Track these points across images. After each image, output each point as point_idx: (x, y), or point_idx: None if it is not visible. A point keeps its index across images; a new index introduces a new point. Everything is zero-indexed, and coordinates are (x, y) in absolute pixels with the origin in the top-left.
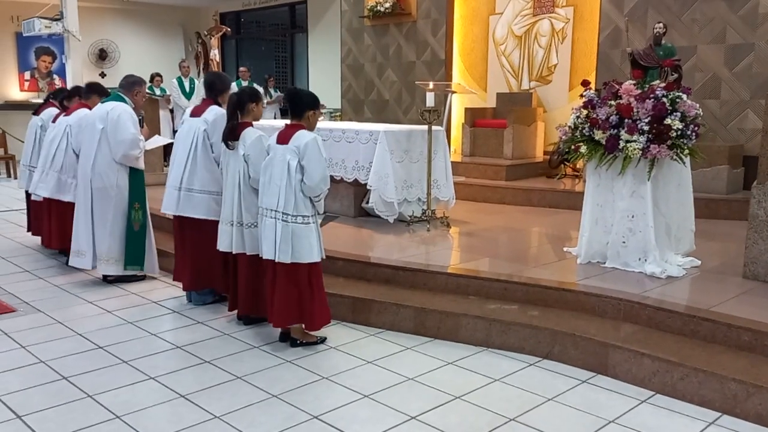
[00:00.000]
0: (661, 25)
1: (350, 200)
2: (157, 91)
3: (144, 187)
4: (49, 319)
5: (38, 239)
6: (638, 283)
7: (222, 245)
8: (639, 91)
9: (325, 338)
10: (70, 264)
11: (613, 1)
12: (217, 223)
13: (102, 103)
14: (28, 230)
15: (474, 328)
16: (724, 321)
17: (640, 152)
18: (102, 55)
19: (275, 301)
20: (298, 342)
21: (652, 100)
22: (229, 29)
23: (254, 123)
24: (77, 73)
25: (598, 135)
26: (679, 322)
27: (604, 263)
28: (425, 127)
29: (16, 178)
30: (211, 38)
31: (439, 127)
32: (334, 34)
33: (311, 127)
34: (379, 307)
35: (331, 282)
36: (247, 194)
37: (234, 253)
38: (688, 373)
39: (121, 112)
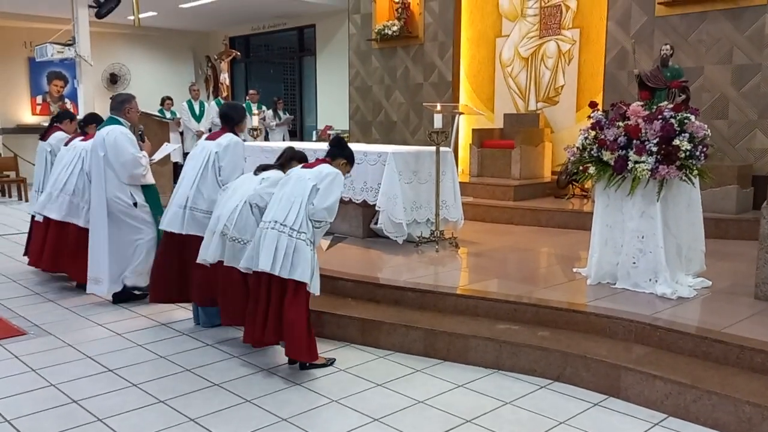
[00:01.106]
0: (668, 46)
1: (359, 221)
2: (168, 114)
3: (159, 200)
4: (59, 342)
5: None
6: (649, 304)
7: (201, 256)
8: (647, 112)
9: (334, 360)
10: (88, 291)
11: (619, 23)
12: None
13: (98, 129)
14: (25, 254)
15: (484, 350)
16: (736, 343)
17: (649, 173)
18: (113, 79)
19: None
20: (308, 365)
21: (660, 121)
22: (238, 53)
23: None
24: (89, 97)
25: (607, 156)
26: (690, 343)
27: (614, 284)
28: (433, 148)
29: (27, 201)
30: (221, 62)
31: (446, 148)
32: (342, 56)
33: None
34: (388, 328)
35: (339, 303)
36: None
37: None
38: (701, 395)
39: (116, 135)
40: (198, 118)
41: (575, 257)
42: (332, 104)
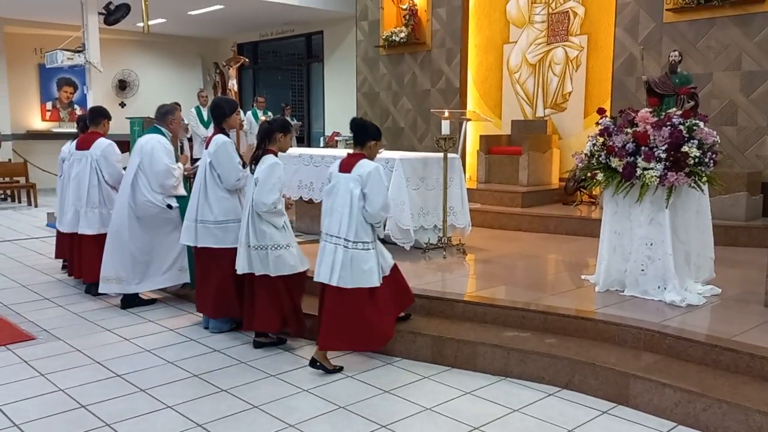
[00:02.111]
0: (676, 53)
1: None
2: None
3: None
4: (67, 347)
5: (58, 266)
6: (658, 312)
7: (237, 266)
8: (655, 119)
9: (342, 368)
10: (100, 291)
11: (627, 29)
12: (234, 250)
13: (140, 136)
14: (57, 257)
15: (492, 357)
16: (746, 351)
17: (658, 180)
18: (122, 86)
19: (325, 323)
20: (318, 364)
21: (669, 127)
22: (247, 60)
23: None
24: (98, 103)
25: (615, 162)
26: (700, 351)
27: (623, 291)
28: (441, 154)
29: (36, 206)
30: (229, 68)
31: (454, 155)
32: (350, 63)
33: (372, 156)
34: (396, 335)
35: None
36: (254, 218)
37: (244, 273)
38: (711, 404)
39: (154, 144)
40: (206, 125)
41: (583, 264)
42: (340, 110)
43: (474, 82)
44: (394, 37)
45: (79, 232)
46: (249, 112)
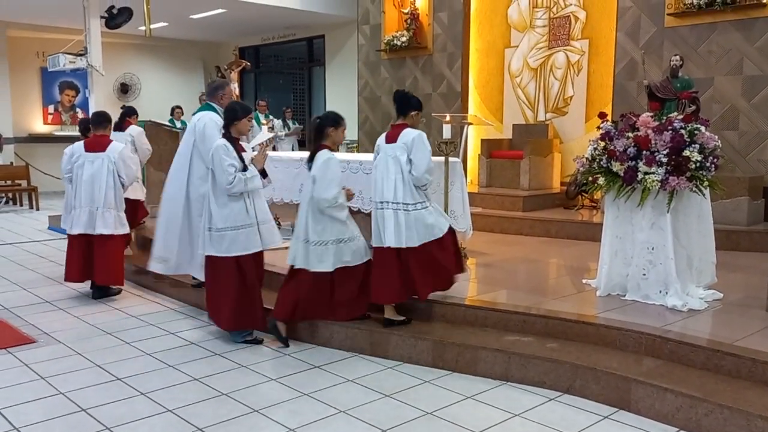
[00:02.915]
0: (677, 57)
1: (368, 231)
2: (178, 124)
3: None
4: (68, 350)
5: (59, 270)
6: (659, 317)
7: (289, 258)
8: (657, 123)
9: (411, 320)
10: (151, 269)
11: (628, 33)
12: (250, 257)
13: (193, 114)
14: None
15: (493, 362)
16: (748, 356)
17: (659, 184)
18: (124, 89)
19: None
20: (394, 322)
21: (670, 131)
22: (248, 63)
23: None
24: (100, 106)
25: (616, 167)
26: (702, 356)
27: (624, 296)
28: (442, 158)
29: (38, 209)
30: (230, 72)
31: (455, 159)
32: (351, 67)
33: (414, 126)
34: (397, 339)
35: None
36: (312, 214)
37: (296, 267)
38: (713, 409)
39: (206, 122)
40: None
41: (585, 268)
42: (341, 114)
43: (475, 86)
44: (395, 41)
45: (96, 233)
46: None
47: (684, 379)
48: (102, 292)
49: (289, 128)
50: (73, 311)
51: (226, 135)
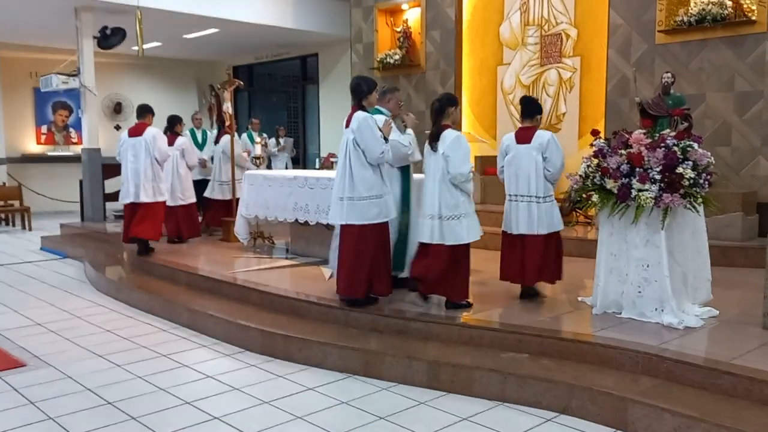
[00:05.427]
0: (669, 74)
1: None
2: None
3: (408, 189)
4: (58, 374)
5: (51, 291)
6: (656, 335)
7: (423, 237)
8: (649, 140)
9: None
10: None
11: (619, 51)
12: (377, 226)
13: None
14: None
15: (489, 382)
16: (746, 374)
17: (653, 201)
18: (117, 109)
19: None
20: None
21: (663, 149)
22: (241, 83)
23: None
24: (93, 126)
25: (610, 184)
26: (699, 375)
27: (620, 313)
28: None
29: (31, 230)
30: (224, 91)
31: None
32: (345, 85)
33: (539, 126)
34: (391, 360)
35: (343, 334)
36: (446, 190)
37: (432, 243)
38: (711, 429)
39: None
40: (200, 146)
41: (580, 285)
42: (335, 132)
43: (469, 103)
44: (388, 60)
45: (139, 201)
46: (244, 134)
47: (681, 399)
48: (143, 247)
49: (279, 144)
50: (64, 333)
51: (362, 108)
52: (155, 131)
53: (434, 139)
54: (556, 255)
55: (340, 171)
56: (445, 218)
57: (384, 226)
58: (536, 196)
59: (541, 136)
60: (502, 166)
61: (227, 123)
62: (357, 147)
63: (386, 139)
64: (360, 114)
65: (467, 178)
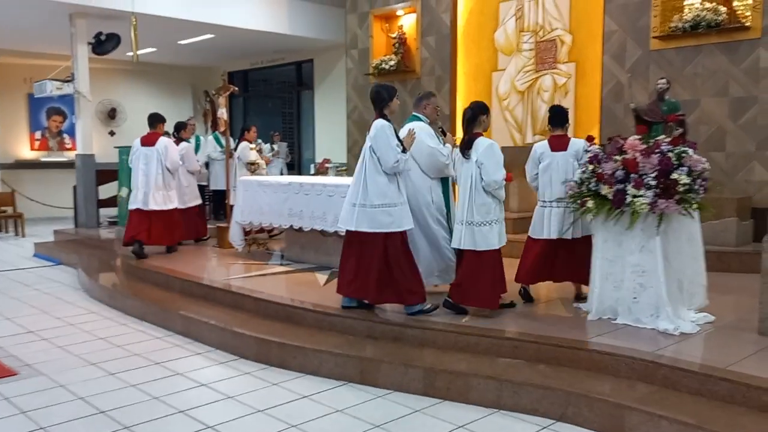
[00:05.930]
0: (664, 80)
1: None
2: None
3: (449, 197)
4: (51, 383)
5: (43, 298)
6: (651, 341)
7: (453, 242)
8: (644, 146)
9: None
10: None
11: (614, 57)
12: (386, 235)
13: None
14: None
15: (485, 389)
16: (742, 381)
17: (648, 207)
18: (111, 114)
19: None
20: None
21: (658, 155)
22: (236, 89)
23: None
24: (87, 132)
25: (605, 190)
26: (696, 381)
27: (616, 319)
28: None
29: (24, 236)
30: (219, 97)
31: None
32: (340, 90)
33: (570, 135)
34: (387, 367)
35: (338, 341)
36: (478, 197)
37: (462, 249)
38: None
39: (417, 131)
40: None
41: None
42: (330, 138)
43: (464, 109)
44: (383, 65)
45: (148, 209)
46: (210, 136)
47: (678, 406)
48: (139, 248)
49: (273, 149)
50: (57, 341)
51: (384, 117)
52: (167, 141)
53: (467, 147)
54: (589, 257)
55: (356, 177)
56: (476, 224)
57: (396, 236)
58: (567, 202)
59: (577, 143)
60: (536, 174)
61: (222, 129)
62: (373, 154)
63: (405, 150)
64: (378, 122)
65: (501, 185)
